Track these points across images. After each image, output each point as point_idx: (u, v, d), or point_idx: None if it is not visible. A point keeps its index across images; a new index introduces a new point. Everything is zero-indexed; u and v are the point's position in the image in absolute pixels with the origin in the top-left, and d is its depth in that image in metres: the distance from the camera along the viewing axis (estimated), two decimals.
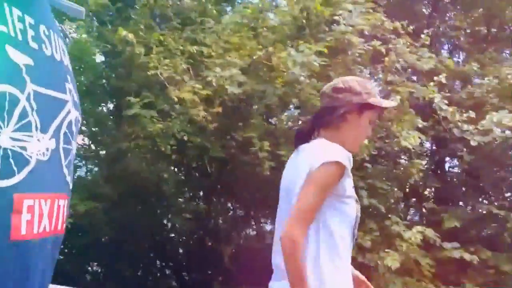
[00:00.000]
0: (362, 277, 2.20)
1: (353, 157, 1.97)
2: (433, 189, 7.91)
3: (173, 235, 6.78)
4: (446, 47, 9.61)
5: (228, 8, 7.36)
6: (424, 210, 7.50)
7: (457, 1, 9.45)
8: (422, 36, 5.99)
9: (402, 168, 6.46)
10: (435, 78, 5.97)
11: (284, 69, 4.70)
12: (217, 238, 6.98)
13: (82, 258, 6.88)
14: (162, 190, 5.57)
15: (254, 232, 7.27)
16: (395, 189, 6.46)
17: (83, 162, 7.15)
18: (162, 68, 4.79)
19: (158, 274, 7.50)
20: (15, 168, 1.69)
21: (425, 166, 7.55)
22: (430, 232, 5.61)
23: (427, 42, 6.01)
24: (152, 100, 5.35)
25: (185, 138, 5.22)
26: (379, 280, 5.43)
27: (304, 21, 5.27)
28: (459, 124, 5.81)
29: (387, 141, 6.14)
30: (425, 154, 7.89)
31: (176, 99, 4.62)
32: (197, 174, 7.10)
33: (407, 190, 7.31)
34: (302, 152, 2.03)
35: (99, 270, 7.31)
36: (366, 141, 6.04)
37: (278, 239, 1.94)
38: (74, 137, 2.17)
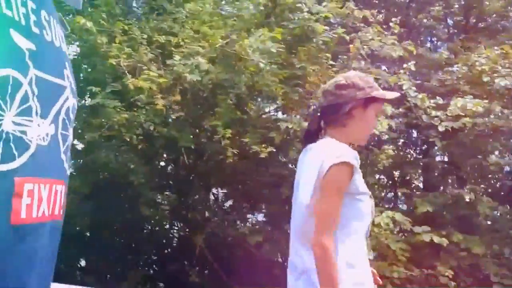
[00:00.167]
0: (372, 269, 2.21)
1: None
2: (421, 176, 8.02)
3: (146, 226, 6.77)
4: (423, 37, 9.68)
5: None
6: (401, 195, 7.58)
7: None
8: (391, 24, 6.00)
9: (374, 156, 6.49)
10: (404, 65, 6.00)
11: (247, 56, 4.68)
12: (190, 228, 6.99)
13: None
14: (131, 181, 5.55)
15: (229, 221, 7.27)
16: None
17: None
18: (122, 57, 4.75)
19: (132, 266, 7.48)
20: (15, 152, 1.69)
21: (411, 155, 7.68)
22: (400, 217, 5.63)
23: (396, 31, 6.01)
24: (116, 90, 5.31)
25: (151, 128, 5.20)
26: None
27: (270, 8, 5.25)
28: (428, 110, 5.85)
29: None
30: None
31: (132, 88, 4.58)
32: (172, 165, 7.11)
33: (380, 176, 7.39)
34: (310, 151, 2.06)
35: (74, 263, 7.29)
36: None
37: (296, 239, 2.01)
38: (71, 124, 2.18)
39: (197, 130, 5.53)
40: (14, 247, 1.71)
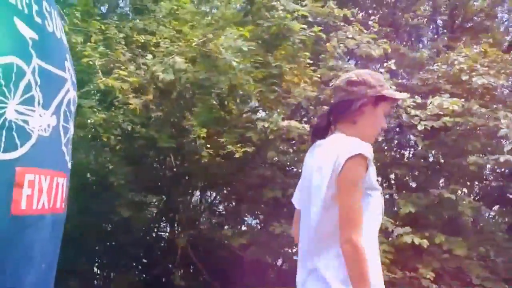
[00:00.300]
0: None
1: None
2: (406, 177, 7.98)
3: (132, 228, 6.73)
4: (409, 37, 9.71)
5: None
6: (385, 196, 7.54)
7: None
8: (370, 22, 6.01)
9: None
10: (385, 64, 6.00)
11: (219, 55, 4.67)
12: (175, 231, 6.95)
13: None
14: (110, 182, 5.51)
15: (215, 223, 7.25)
16: None
17: None
18: (95, 56, 4.73)
19: (118, 269, 7.43)
20: (18, 142, 1.67)
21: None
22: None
23: (376, 29, 6.01)
24: (100, 90, 5.28)
25: (129, 128, 5.17)
26: None
27: (248, 7, 5.24)
28: (408, 109, 5.84)
29: None
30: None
31: (102, 87, 4.55)
32: (158, 166, 7.05)
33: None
34: (319, 147, 2.03)
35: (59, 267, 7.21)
36: None
37: (307, 237, 1.96)
38: (72, 116, 2.17)
39: (173, 130, 5.48)
40: (14, 238, 1.68)
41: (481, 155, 5.85)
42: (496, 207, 7.36)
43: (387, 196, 7.73)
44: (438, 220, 6.55)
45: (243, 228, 7.28)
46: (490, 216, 7.08)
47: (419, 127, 5.58)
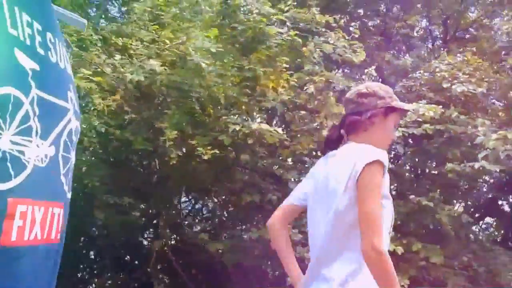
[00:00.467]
0: None
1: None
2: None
3: (104, 232, 6.69)
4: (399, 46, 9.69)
5: None
6: None
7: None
8: (351, 29, 5.99)
9: None
10: (366, 70, 5.98)
11: (188, 56, 4.65)
12: (154, 234, 6.90)
13: None
14: (85, 184, 5.48)
15: (192, 227, 7.20)
16: None
17: None
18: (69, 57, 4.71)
19: (100, 274, 7.39)
20: (12, 172, 1.66)
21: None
22: None
23: (356, 36, 5.98)
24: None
25: (102, 130, 5.15)
26: None
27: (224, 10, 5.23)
28: None
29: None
30: None
31: None
32: (138, 169, 7.01)
33: None
34: (332, 157, 2.02)
35: None
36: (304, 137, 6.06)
37: (321, 249, 1.92)
38: (74, 146, 2.16)
39: (151, 132, 5.45)
40: (3, 269, 1.66)
41: (460, 163, 5.78)
42: (477, 215, 7.27)
43: None
44: (419, 228, 6.49)
45: (224, 234, 7.22)
46: (475, 225, 6.98)
47: (397, 133, 5.51)
